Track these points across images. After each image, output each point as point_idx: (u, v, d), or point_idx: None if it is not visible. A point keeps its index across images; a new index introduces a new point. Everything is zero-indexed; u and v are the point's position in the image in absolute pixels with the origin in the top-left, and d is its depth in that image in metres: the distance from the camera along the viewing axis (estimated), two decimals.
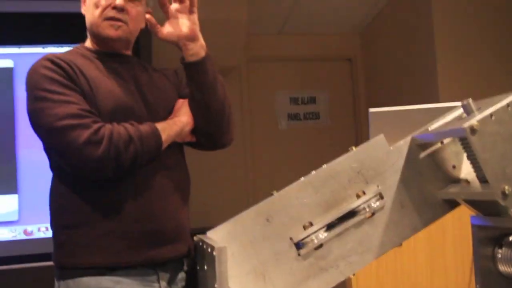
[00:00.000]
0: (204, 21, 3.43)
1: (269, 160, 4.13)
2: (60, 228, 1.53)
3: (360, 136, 4.21)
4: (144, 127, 1.49)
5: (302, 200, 1.40)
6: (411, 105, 2.25)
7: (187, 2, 1.54)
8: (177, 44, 1.57)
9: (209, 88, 1.58)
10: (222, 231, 1.33)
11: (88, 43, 1.66)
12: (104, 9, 1.56)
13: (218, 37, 3.42)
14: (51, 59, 1.50)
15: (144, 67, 1.70)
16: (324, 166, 1.44)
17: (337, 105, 4.33)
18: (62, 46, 3.00)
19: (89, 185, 1.49)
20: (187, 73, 1.59)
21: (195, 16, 1.56)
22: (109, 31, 1.57)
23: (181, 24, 1.55)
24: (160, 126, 1.52)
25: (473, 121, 1.13)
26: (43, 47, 3.04)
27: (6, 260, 2.88)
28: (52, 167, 1.57)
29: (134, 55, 1.73)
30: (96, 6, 1.57)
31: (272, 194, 1.42)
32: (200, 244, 1.34)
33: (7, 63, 3.03)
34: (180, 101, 1.66)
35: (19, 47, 3.05)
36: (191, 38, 1.56)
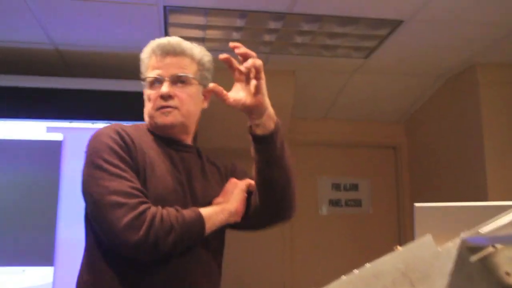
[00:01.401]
0: None
1: (308, 245, 4.03)
2: None
3: (402, 226, 4.08)
4: (189, 214, 1.46)
5: None
6: (457, 199, 2.16)
7: (253, 69, 1.42)
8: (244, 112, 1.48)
9: (277, 161, 1.52)
10: None
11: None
12: (154, 101, 1.58)
13: None
14: (117, 131, 1.51)
15: (199, 158, 1.69)
16: (367, 265, 1.37)
17: (379, 193, 4.24)
18: (110, 122, 3.07)
19: (119, 261, 1.45)
20: (253, 145, 1.52)
21: (261, 83, 1.43)
22: (162, 119, 1.58)
23: (246, 93, 1.44)
24: (206, 213, 1.49)
25: None
26: (92, 123, 3.12)
27: None
28: (86, 235, 1.55)
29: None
30: (149, 99, 1.60)
31: None
32: None
33: (57, 136, 3.11)
34: (233, 181, 1.63)
35: (70, 122, 3.14)
36: (256, 109, 1.46)
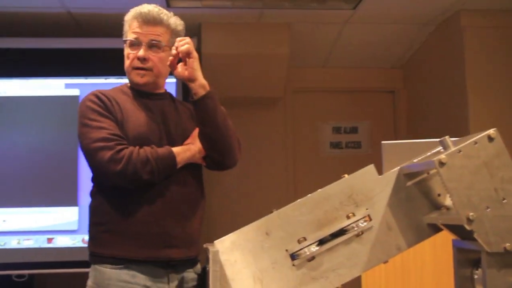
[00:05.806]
0: (248, 55, 3.75)
1: (310, 185, 4.30)
2: (92, 225, 1.91)
3: None
4: (162, 150, 1.83)
5: (297, 218, 1.62)
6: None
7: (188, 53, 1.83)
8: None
9: (209, 121, 1.87)
10: (227, 241, 1.56)
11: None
12: (132, 60, 1.92)
13: (262, 70, 3.70)
14: (95, 94, 1.90)
15: (173, 102, 2.04)
16: (319, 190, 1.66)
17: (378, 135, 4.47)
18: (121, 78, 3.37)
19: (113, 193, 1.85)
20: (193, 109, 1.91)
21: (192, 61, 1.84)
22: (137, 78, 1.94)
23: (184, 68, 1.85)
24: (176, 150, 1.86)
25: (442, 155, 1.31)
26: (105, 78, 3.43)
27: (66, 264, 3.26)
28: (92, 178, 1.94)
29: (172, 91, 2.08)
30: (127, 57, 1.94)
31: (272, 212, 1.66)
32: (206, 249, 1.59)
33: (75, 92, 3.43)
34: (197, 129, 1.96)
35: (86, 78, 3.45)
36: (189, 79, 1.85)
